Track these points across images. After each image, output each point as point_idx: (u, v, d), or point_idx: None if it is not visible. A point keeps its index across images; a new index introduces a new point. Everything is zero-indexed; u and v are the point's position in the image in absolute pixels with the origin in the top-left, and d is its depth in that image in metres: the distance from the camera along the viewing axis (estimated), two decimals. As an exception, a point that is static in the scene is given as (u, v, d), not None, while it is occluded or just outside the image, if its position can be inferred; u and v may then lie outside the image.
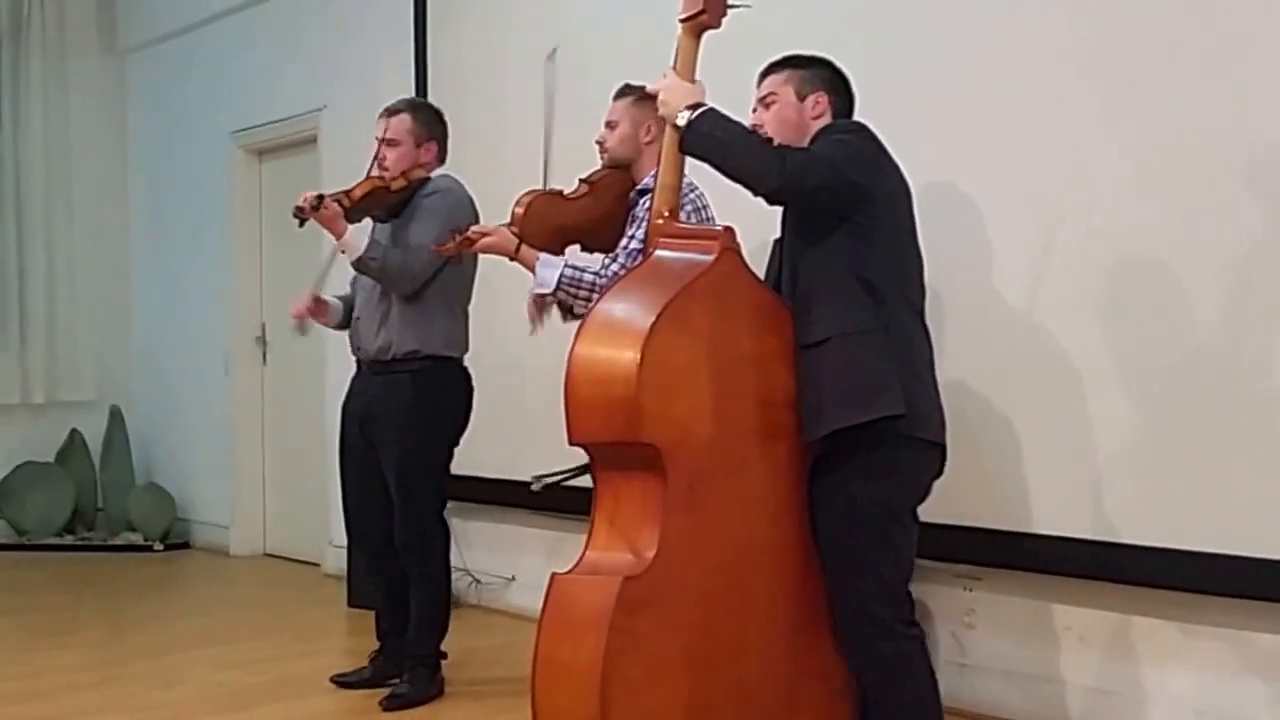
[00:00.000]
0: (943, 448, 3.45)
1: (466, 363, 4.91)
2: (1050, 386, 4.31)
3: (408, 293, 4.69)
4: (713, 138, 3.39)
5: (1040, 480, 4.34)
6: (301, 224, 4.59)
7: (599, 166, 4.29)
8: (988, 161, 4.42)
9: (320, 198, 4.53)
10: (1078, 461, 4.25)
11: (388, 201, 4.74)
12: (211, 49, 8.50)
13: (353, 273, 4.89)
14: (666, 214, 3.58)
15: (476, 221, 4.55)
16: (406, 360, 4.73)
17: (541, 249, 4.05)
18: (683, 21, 3.55)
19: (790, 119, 3.57)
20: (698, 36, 3.57)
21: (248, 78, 8.16)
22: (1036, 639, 4.48)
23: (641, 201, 4.12)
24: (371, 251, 4.60)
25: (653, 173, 4.10)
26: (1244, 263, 3.86)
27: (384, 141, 4.78)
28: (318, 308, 4.91)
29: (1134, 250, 4.09)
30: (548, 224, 4.07)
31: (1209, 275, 3.94)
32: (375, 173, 4.75)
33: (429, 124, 4.89)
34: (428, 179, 4.82)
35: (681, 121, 3.44)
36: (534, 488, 3.81)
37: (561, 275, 3.96)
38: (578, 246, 4.17)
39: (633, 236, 4.04)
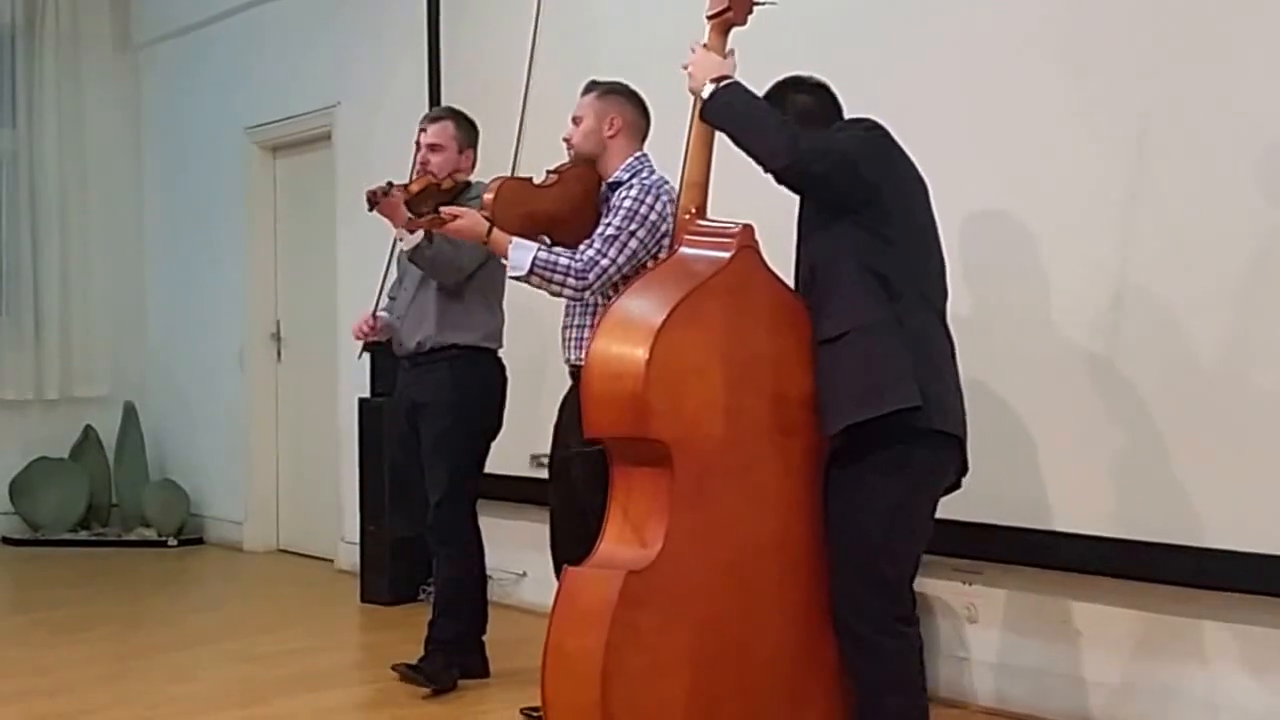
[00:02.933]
0: (961, 442, 3.44)
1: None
2: (1054, 384, 4.36)
3: (452, 283, 4.85)
4: (731, 108, 3.42)
5: (1041, 476, 4.39)
6: (371, 209, 4.71)
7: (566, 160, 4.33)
8: (1005, 163, 4.49)
9: (390, 184, 4.69)
10: (1079, 458, 4.31)
11: (437, 200, 4.84)
12: (226, 44, 8.53)
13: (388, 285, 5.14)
14: (693, 210, 3.59)
15: None
16: (445, 350, 4.90)
17: (512, 234, 4.06)
18: (710, 18, 3.58)
19: None
20: (725, 33, 3.59)
21: (262, 74, 8.19)
22: (1036, 633, 4.53)
23: (617, 193, 4.14)
24: (426, 242, 4.72)
25: (622, 166, 4.20)
26: (1255, 257, 3.91)
27: (428, 146, 4.96)
28: (376, 326, 5.05)
29: (1146, 254, 4.15)
30: (517, 209, 4.07)
31: (1215, 277, 3.99)
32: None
33: (468, 132, 5.06)
34: (470, 183, 4.98)
35: (706, 93, 3.47)
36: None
37: (535, 258, 3.96)
38: (546, 239, 4.15)
39: (609, 224, 4.05)
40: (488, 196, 4.07)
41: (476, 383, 4.94)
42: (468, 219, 4.09)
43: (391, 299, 5.17)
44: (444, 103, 6.65)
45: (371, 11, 7.35)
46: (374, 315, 5.07)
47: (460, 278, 4.84)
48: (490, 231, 4.03)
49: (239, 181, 8.45)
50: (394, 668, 4.87)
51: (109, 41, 9.32)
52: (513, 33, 6.30)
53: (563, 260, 3.98)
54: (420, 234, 4.70)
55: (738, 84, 3.46)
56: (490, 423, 5.01)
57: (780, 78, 3.68)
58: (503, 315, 5.04)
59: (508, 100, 6.17)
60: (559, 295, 4.08)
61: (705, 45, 3.57)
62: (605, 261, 3.97)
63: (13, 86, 8.92)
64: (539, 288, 4.05)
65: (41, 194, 8.94)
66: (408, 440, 5.06)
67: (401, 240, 4.79)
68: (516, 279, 4.04)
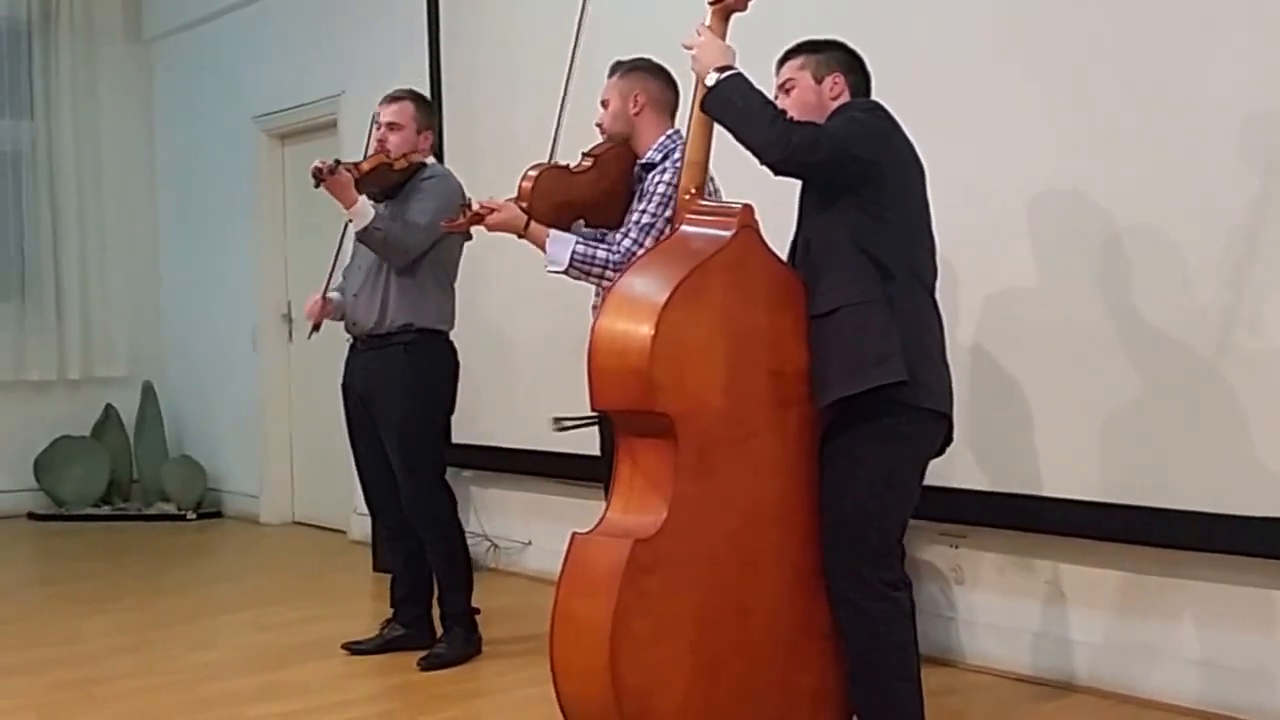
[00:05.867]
0: (948, 418, 3.48)
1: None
2: (1040, 354, 4.44)
3: (402, 265, 4.83)
4: (730, 103, 3.41)
5: (1026, 442, 4.47)
6: (317, 185, 4.67)
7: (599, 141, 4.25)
8: (987, 138, 4.55)
9: (338, 162, 4.68)
10: (1063, 425, 4.39)
11: (389, 180, 4.87)
12: (234, 37, 8.62)
13: (345, 263, 5.11)
14: (693, 190, 3.61)
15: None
16: (400, 333, 4.88)
17: (547, 224, 4.02)
18: (711, 5, 3.57)
19: (810, 102, 3.57)
20: (726, 19, 3.58)
21: (270, 64, 8.28)
22: (1021, 594, 4.62)
23: (649, 176, 4.09)
24: (377, 223, 4.74)
25: (654, 145, 4.14)
26: (1235, 226, 3.98)
27: (387, 125, 4.92)
28: (327, 308, 5.08)
29: (1127, 223, 4.22)
30: (554, 199, 4.02)
31: (1195, 245, 4.05)
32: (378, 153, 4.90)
33: (427, 114, 5.05)
34: (424, 164, 4.97)
35: (710, 81, 3.45)
36: (554, 429, 3.89)
37: (574, 253, 3.95)
38: (581, 222, 4.13)
39: (644, 211, 4.01)
40: (525, 185, 4.01)
41: (432, 365, 4.94)
42: (505, 213, 4.02)
43: (345, 277, 5.13)
44: (444, 90, 6.76)
45: (374, 2, 7.43)
46: (324, 296, 5.05)
47: (410, 259, 4.81)
48: (528, 225, 4.01)
49: (248, 168, 8.56)
50: (418, 664, 4.87)
51: (121, 35, 9.43)
52: (511, 20, 6.38)
53: (600, 253, 3.97)
54: (368, 215, 4.72)
55: (739, 76, 3.44)
56: (447, 402, 5.02)
57: (830, 38, 3.67)
58: (454, 295, 5.03)
59: (507, 86, 6.27)
60: (598, 286, 4.06)
61: (709, 28, 3.55)
62: (641, 251, 3.90)
63: (29, 80, 9.05)
64: (577, 279, 4.03)
65: (59, 183, 9.07)
66: (365, 421, 5.02)
67: (351, 221, 4.75)
68: (554, 273, 4.02)
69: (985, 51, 4.58)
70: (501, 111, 5.96)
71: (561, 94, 4.20)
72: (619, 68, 4.24)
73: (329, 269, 5.15)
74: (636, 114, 4.16)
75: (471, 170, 6.08)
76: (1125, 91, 4.22)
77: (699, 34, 3.56)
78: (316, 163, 4.67)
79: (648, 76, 4.21)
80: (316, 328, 5.10)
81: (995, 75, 4.55)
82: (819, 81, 3.61)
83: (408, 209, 4.84)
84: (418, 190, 4.88)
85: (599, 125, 4.24)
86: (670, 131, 4.19)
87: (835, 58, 3.65)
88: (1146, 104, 4.17)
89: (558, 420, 3.91)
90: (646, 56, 4.27)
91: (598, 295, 4.20)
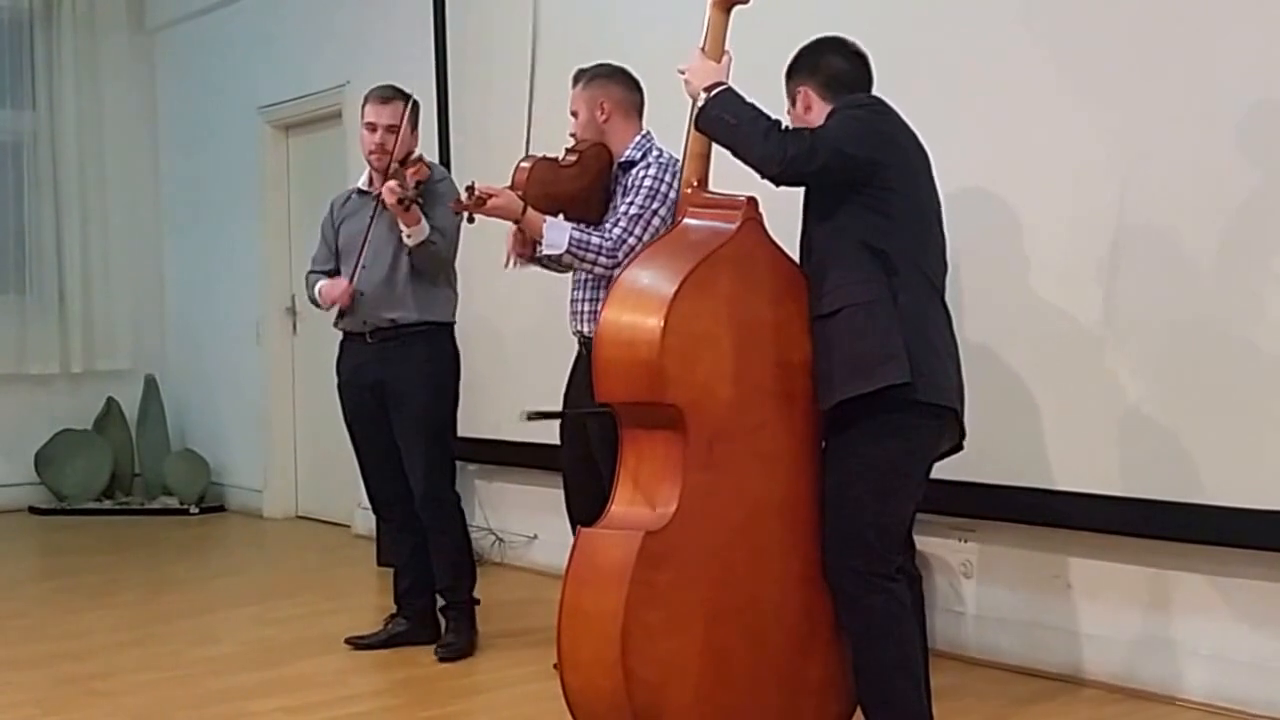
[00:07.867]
0: (955, 413, 3.48)
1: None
2: (1050, 347, 4.42)
3: (436, 273, 4.86)
4: (721, 121, 3.46)
5: (1035, 435, 4.46)
6: (408, 208, 4.59)
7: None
8: (996, 134, 4.53)
9: (417, 192, 4.61)
10: (1072, 418, 4.38)
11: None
12: (239, 26, 8.60)
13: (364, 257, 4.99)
14: (695, 183, 3.65)
15: None
16: (416, 326, 4.89)
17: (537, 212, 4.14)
18: None
19: (798, 123, 3.58)
20: (727, 11, 3.63)
21: (275, 55, 8.26)
22: (1029, 587, 4.61)
23: (633, 172, 4.22)
24: (432, 236, 4.73)
25: (631, 145, 4.29)
26: (1250, 219, 3.97)
27: (385, 128, 4.84)
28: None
29: (1136, 216, 4.20)
30: (544, 189, 4.14)
31: (1207, 237, 4.04)
32: (377, 157, 4.85)
33: (415, 112, 4.97)
34: (430, 166, 4.90)
35: (700, 102, 3.51)
36: (524, 419, 3.95)
37: (571, 238, 4.07)
38: (561, 215, 4.22)
39: (632, 203, 4.15)
40: (520, 176, 4.13)
41: (448, 357, 5.01)
42: (504, 199, 4.09)
43: (326, 271, 5.08)
44: (450, 82, 6.73)
45: (380, -8, 7.42)
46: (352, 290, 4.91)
47: (445, 268, 4.90)
48: (524, 211, 4.09)
49: (252, 160, 8.53)
50: (436, 654, 4.90)
51: (124, 25, 9.40)
52: (518, 12, 6.38)
53: (594, 239, 4.09)
54: (427, 228, 4.68)
55: (728, 93, 3.49)
56: (457, 394, 5.05)
57: (823, 35, 3.67)
58: (458, 288, 5.09)
59: (514, 78, 6.24)
60: (589, 272, 4.18)
61: (703, 48, 3.61)
62: (632, 240, 4.08)
63: (32, 70, 9.02)
64: (569, 265, 4.16)
65: (62, 174, 9.05)
66: (376, 415, 4.98)
67: (408, 235, 4.69)
68: (550, 256, 4.11)
69: (994, 47, 4.57)
70: (509, 100, 5.95)
71: (528, 90, 4.25)
72: (582, 76, 4.37)
73: (356, 258, 4.92)
74: (605, 121, 4.31)
75: (479, 160, 6.09)
76: (1136, 87, 4.21)
77: (693, 57, 3.60)
78: (397, 190, 4.58)
79: (609, 83, 4.35)
80: (343, 314, 4.99)
81: (1003, 71, 4.54)
82: (793, 104, 3.65)
83: (434, 218, 4.76)
84: (436, 195, 4.80)
85: (573, 135, 4.35)
86: (643, 133, 4.35)
87: (797, 73, 3.65)
88: (1157, 99, 4.16)
89: (527, 412, 3.94)
90: (607, 62, 4.38)
91: (576, 290, 4.36)
